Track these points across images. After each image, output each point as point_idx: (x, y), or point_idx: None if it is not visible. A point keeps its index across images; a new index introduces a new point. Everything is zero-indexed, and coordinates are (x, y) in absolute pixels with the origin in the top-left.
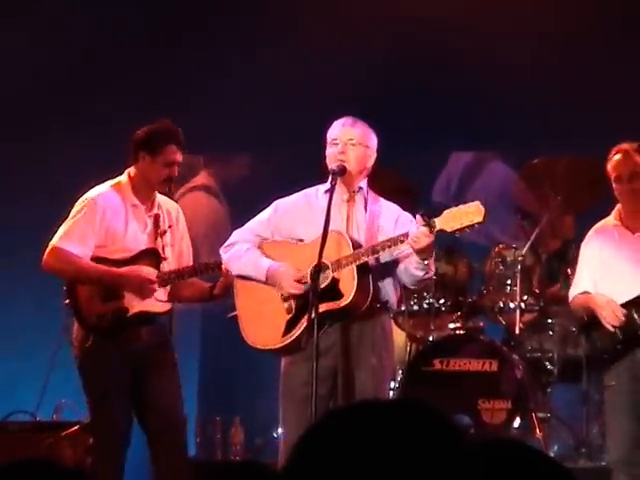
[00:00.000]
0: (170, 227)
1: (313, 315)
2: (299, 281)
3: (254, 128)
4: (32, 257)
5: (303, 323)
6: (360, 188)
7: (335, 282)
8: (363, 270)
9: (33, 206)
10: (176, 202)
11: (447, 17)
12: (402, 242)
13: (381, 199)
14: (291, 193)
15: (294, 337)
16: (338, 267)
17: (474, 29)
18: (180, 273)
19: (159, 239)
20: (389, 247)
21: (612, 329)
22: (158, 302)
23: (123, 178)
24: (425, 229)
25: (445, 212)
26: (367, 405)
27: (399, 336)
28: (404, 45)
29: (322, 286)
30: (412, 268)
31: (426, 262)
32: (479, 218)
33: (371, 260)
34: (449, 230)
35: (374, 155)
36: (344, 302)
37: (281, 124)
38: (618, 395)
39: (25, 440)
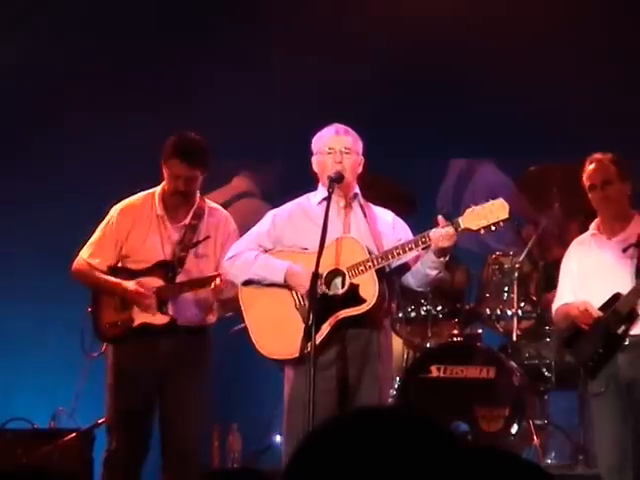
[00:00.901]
0: (208, 237)
1: (311, 322)
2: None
3: (254, 133)
4: (33, 258)
5: (323, 331)
6: (356, 195)
7: (354, 288)
8: (379, 275)
9: (33, 208)
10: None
11: (449, 19)
12: (424, 243)
13: (371, 205)
14: (291, 199)
15: (315, 345)
16: (355, 273)
17: (475, 35)
18: (190, 284)
19: (184, 250)
20: (410, 250)
21: (585, 327)
22: (159, 315)
23: (157, 189)
24: (451, 229)
25: (467, 211)
26: (364, 413)
27: (396, 343)
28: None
29: (340, 292)
30: (426, 268)
31: (442, 260)
32: (504, 215)
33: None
34: (475, 228)
35: (362, 161)
36: (366, 307)
37: (279, 128)
38: (605, 402)
39: (22, 447)
